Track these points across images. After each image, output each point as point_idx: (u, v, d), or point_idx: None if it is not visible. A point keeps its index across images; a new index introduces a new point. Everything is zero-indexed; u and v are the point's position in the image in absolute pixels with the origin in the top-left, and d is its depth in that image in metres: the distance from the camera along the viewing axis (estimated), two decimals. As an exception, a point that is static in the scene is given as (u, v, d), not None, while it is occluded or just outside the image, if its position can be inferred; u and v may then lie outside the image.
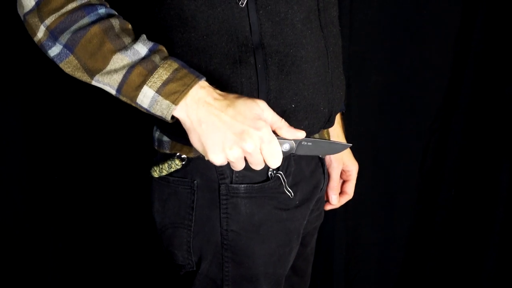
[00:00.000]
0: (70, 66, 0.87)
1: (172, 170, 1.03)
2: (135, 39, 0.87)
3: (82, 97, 1.51)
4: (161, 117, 0.87)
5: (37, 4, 0.86)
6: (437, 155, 1.81)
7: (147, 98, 0.85)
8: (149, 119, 1.12)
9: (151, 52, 0.86)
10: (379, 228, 1.86)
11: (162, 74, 0.85)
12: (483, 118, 1.77)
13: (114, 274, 1.66)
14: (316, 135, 1.11)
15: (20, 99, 1.48)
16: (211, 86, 0.87)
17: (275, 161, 0.87)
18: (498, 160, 1.76)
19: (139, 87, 0.85)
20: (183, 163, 1.02)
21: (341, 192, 1.28)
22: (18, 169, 1.52)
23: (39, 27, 0.86)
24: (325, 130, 1.15)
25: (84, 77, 0.87)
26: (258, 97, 0.95)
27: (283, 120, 0.89)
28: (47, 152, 1.53)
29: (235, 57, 0.94)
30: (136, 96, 0.85)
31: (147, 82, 0.84)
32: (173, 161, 1.02)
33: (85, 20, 0.85)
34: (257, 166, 0.88)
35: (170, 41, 0.96)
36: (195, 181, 1.02)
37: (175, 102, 0.84)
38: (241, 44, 0.94)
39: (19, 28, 1.41)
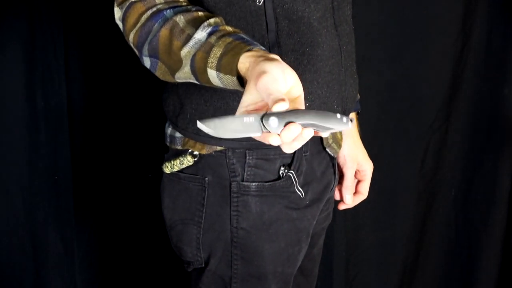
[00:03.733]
0: (161, 71, 0.89)
1: (184, 166, 1.03)
2: (198, 26, 0.85)
3: (90, 93, 1.51)
4: (239, 90, 0.81)
5: (123, 24, 0.91)
6: (437, 155, 1.81)
7: (214, 79, 0.82)
8: (161, 115, 1.11)
9: (209, 34, 0.84)
10: (379, 228, 1.86)
11: (216, 52, 0.81)
12: (483, 118, 1.77)
13: (121, 271, 1.65)
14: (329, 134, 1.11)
15: (20, 98, 1.47)
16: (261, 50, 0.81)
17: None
18: (498, 160, 1.77)
19: (204, 71, 0.83)
20: (195, 159, 1.03)
21: (356, 192, 1.27)
22: (18, 169, 1.51)
23: (131, 46, 0.91)
24: None
25: (171, 78, 0.89)
26: None
27: None
28: (47, 152, 1.52)
29: None
30: (209, 80, 0.84)
31: (207, 64, 0.82)
32: (185, 157, 1.02)
33: (156, 27, 0.87)
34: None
35: None
36: (206, 178, 1.02)
37: (232, 73, 0.80)
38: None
39: (19, 29, 1.41)
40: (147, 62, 0.90)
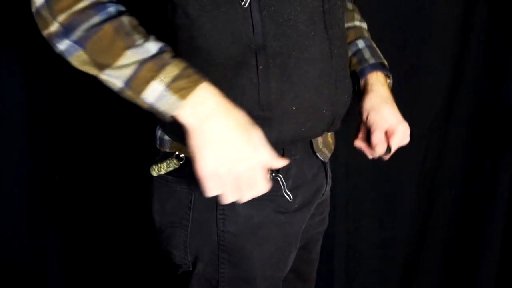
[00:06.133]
0: (79, 60, 0.88)
1: (170, 169, 1.03)
2: (145, 38, 0.88)
3: (84, 96, 1.51)
4: (163, 112, 0.87)
5: (51, 2, 0.88)
6: (437, 155, 1.81)
7: (155, 92, 0.85)
8: (153, 118, 1.11)
9: (161, 51, 0.87)
10: (379, 229, 1.86)
11: (172, 70, 0.85)
12: (483, 118, 1.77)
13: (114, 273, 1.65)
14: (319, 139, 1.09)
15: (20, 98, 1.47)
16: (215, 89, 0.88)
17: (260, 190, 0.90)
18: (498, 160, 1.77)
19: (148, 81, 0.85)
20: (181, 162, 1.02)
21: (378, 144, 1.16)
22: (18, 169, 1.51)
23: (52, 22, 0.88)
24: (329, 133, 1.14)
25: (92, 70, 0.89)
26: (259, 98, 0.95)
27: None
28: (47, 152, 1.52)
29: (237, 58, 0.94)
30: (143, 90, 0.86)
31: (156, 78, 0.85)
32: (171, 160, 1.02)
33: (97, 19, 0.87)
34: (247, 190, 0.89)
35: (177, 39, 0.97)
36: (193, 181, 1.01)
37: (182, 97, 0.84)
38: (244, 45, 0.94)
39: (20, 27, 1.41)
40: (64, 45, 0.88)
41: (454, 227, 1.87)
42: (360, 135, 1.20)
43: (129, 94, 0.88)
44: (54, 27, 0.88)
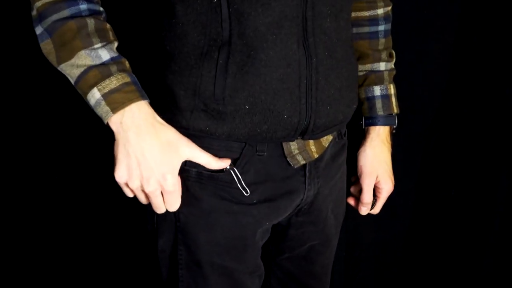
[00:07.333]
0: (47, 48, 0.94)
1: None
2: (105, 43, 0.93)
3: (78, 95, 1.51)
4: (101, 118, 0.95)
5: None
6: (437, 155, 1.81)
7: (93, 98, 0.93)
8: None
9: (112, 60, 0.93)
10: (379, 228, 1.86)
11: (112, 82, 0.92)
12: (483, 118, 1.77)
13: (114, 273, 1.66)
14: (293, 144, 1.08)
15: (20, 99, 1.48)
16: (152, 109, 0.95)
17: (171, 209, 1.00)
18: (498, 160, 1.76)
19: (91, 87, 0.92)
20: None
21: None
22: (18, 169, 1.52)
23: (32, 7, 0.95)
24: (311, 141, 1.11)
25: (53, 62, 0.95)
26: (214, 91, 0.98)
27: (210, 156, 0.99)
28: (46, 152, 1.53)
29: (203, 49, 0.98)
30: (87, 93, 0.93)
31: (97, 85, 0.92)
32: None
33: (65, 13, 0.93)
34: (156, 209, 0.99)
35: (159, 24, 1.03)
36: None
37: (113, 110, 0.92)
38: (211, 38, 0.98)
39: (19, 28, 1.42)
40: (38, 30, 0.94)
41: (454, 228, 1.87)
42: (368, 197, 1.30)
43: (80, 92, 0.95)
44: (33, 12, 0.95)
